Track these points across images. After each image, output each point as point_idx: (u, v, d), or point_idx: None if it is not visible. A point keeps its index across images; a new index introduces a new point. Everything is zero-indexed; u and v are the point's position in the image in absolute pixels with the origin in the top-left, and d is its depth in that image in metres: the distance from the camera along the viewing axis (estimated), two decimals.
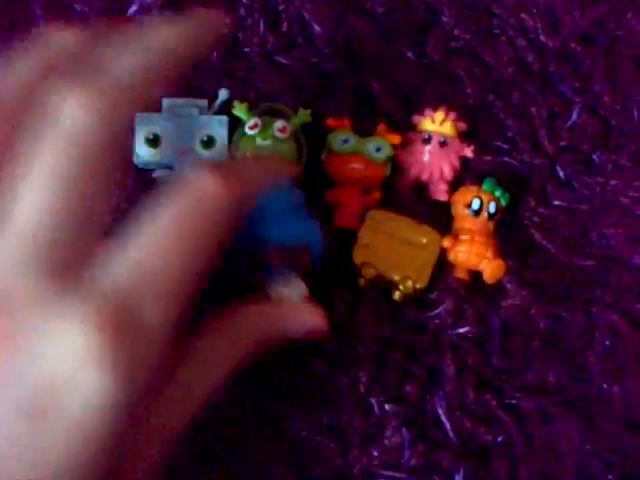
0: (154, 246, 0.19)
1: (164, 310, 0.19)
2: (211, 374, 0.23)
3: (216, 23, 0.24)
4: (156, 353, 0.19)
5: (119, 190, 0.20)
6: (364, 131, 0.31)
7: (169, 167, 0.31)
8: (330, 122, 0.31)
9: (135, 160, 0.30)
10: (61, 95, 0.18)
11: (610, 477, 0.29)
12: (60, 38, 0.21)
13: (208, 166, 0.21)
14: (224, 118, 0.31)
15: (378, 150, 0.30)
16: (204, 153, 0.30)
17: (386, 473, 0.28)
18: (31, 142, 0.18)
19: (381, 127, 0.31)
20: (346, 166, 0.30)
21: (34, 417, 0.17)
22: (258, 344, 0.24)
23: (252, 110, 0.31)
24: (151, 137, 0.30)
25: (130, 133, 0.20)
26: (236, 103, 0.31)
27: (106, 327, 0.17)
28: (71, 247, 0.18)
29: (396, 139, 0.31)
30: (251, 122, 0.30)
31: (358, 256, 0.29)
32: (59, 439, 0.17)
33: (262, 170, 0.24)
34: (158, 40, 0.21)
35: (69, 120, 0.18)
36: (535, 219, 0.32)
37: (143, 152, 0.30)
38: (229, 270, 0.26)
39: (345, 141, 0.30)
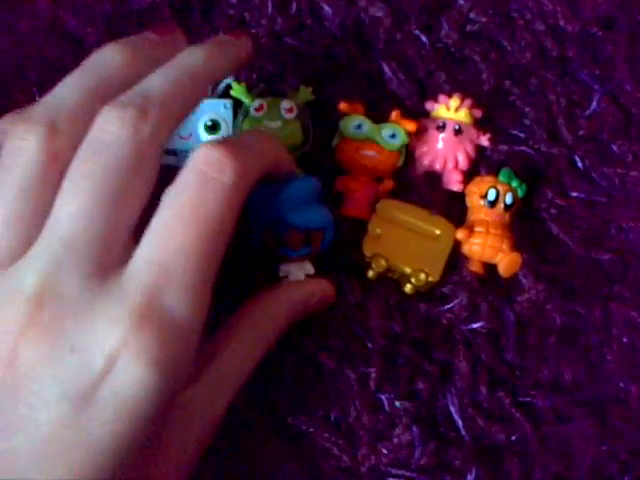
0: (166, 239, 0.20)
1: (188, 298, 0.20)
2: (242, 362, 0.24)
3: (244, 46, 0.26)
4: (186, 339, 0.20)
5: (148, 194, 0.21)
6: (377, 117, 0.30)
7: (173, 153, 0.29)
8: (343, 106, 0.29)
9: None
10: (109, 122, 0.20)
11: (626, 478, 0.28)
12: (110, 60, 0.23)
13: (211, 144, 0.21)
14: (229, 102, 0.30)
15: (392, 137, 0.29)
16: (208, 138, 0.29)
17: (395, 472, 0.27)
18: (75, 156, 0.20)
19: (395, 114, 0.30)
20: (359, 153, 0.29)
21: (75, 402, 0.18)
22: (281, 327, 0.26)
23: (250, 92, 0.30)
24: None
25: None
26: (234, 84, 0.30)
27: (139, 322, 0.19)
28: (105, 248, 0.20)
29: (411, 126, 0.29)
30: (256, 104, 0.29)
31: (368, 247, 0.28)
32: (97, 424, 0.18)
33: (267, 144, 0.24)
34: (198, 62, 0.23)
35: (106, 135, 0.20)
36: (552, 211, 0.31)
37: None
38: (254, 245, 0.27)
39: (359, 127, 0.29)
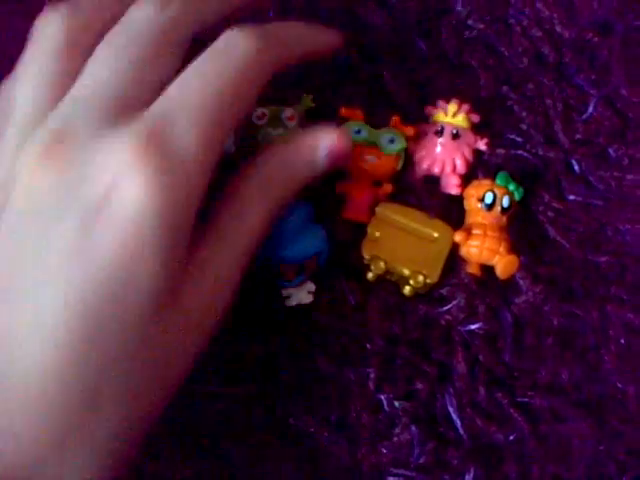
0: (182, 91, 0.22)
1: (198, 138, 0.21)
2: (249, 219, 0.24)
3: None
4: (191, 175, 0.21)
5: (172, 70, 0.23)
6: (377, 123, 0.30)
7: None
8: (343, 112, 0.30)
9: None
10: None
11: (624, 479, 0.28)
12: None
13: (241, 28, 0.23)
14: None
15: (391, 142, 0.30)
16: None
17: (395, 471, 0.28)
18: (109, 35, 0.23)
19: (395, 119, 0.30)
20: (358, 157, 0.29)
21: (81, 225, 0.20)
22: (291, 181, 0.25)
23: None
24: None
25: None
26: None
27: (148, 143, 0.20)
28: (126, 105, 0.21)
29: (410, 131, 0.30)
30: (258, 112, 0.30)
31: (367, 250, 0.29)
32: (106, 243, 0.19)
33: (299, 33, 0.26)
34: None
35: (137, 12, 0.24)
36: (549, 214, 0.31)
37: None
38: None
39: (358, 132, 0.30)
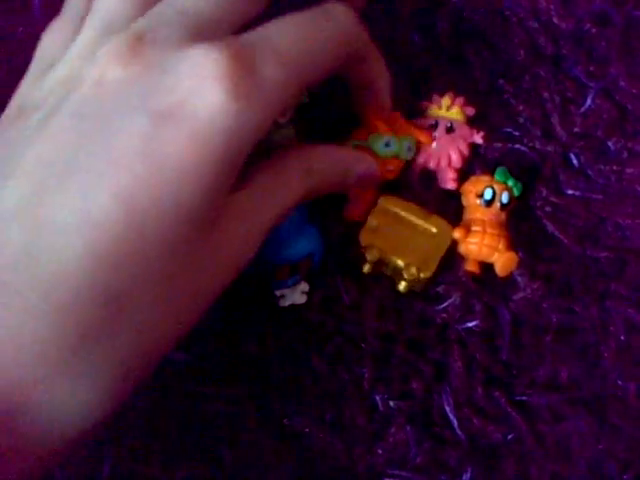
0: (283, 27, 0.22)
1: (281, 74, 0.21)
2: (291, 185, 0.24)
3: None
4: (270, 97, 0.21)
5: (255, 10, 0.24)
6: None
7: None
8: (379, 124, 0.29)
9: None
10: None
11: (625, 477, 0.28)
12: None
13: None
14: None
15: (409, 149, 0.30)
16: None
17: (391, 471, 0.27)
18: None
19: (399, 120, 0.30)
20: (382, 169, 0.29)
21: (154, 117, 0.19)
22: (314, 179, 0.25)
23: None
24: None
25: None
26: None
27: (232, 60, 0.20)
28: (211, 25, 0.22)
29: (427, 139, 0.30)
30: None
31: (365, 238, 0.28)
32: (172, 146, 0.19)
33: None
34: None
35: None
36: (547, 209, 0.30)
37: None
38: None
39: (387, 144, 0.29)
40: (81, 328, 0.18)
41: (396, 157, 0.29)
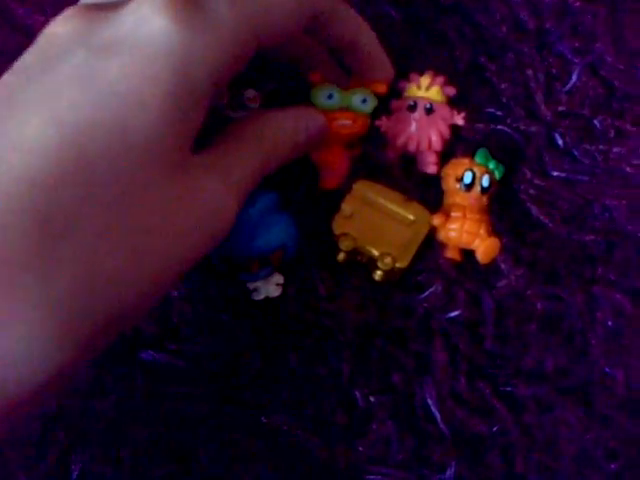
0: None
1: (230, 12, 0.21)
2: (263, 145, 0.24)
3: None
4: (217, 40, 0.21)
5: None
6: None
7: None
8: (314, 77, 0.28)
9: None
10: None
11: (613, 466, 0.27)
12: None
13: None
14: None
15: (364, 102, 0.28)
16: None
17: (373, 468, 0.26)
18: None
19: (354, 78, 0.29)
20: (334, 123, 0.28)
21: (101, 50, 0.20)
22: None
23: None
24: None
25: None
26: None
27: None
28: None
29: (382, 88, 0.28)
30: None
31: (338, 226, 0.27)
32: (121, 65, 0.19)
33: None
34: None
35: None
36: (531, 192, 0.29)
37: None
38: (217, 267, 0.27)
39: (330, 97, 0.28)
40: (20, 252, 0.17)
41: (347, 109, 0.28)
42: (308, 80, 0.28)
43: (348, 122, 0.28)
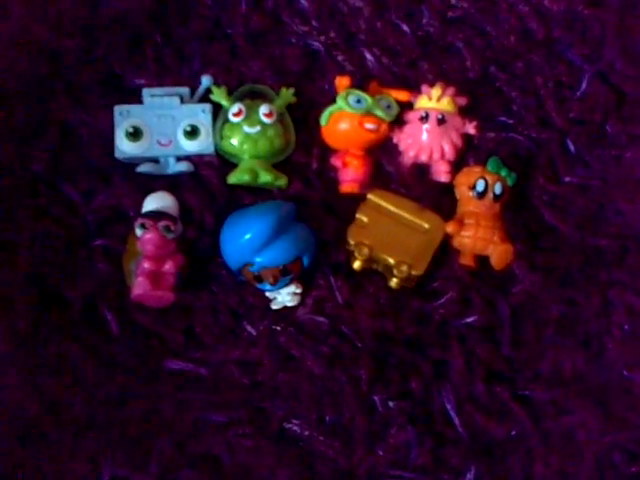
0: None
1: None
2: None
3: None
4: None
5: None
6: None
7: (153, 160, 0.29)
8: (342, 81, 0.29)
9: (118, 155, 0.29)
10: None
11: (633, 469, 0.27)
12: None
13: None
14: (207, 106, 0.29)
15: (388, 108, 0.29)
16: (188, 143, 0.29)
17: (393, 473, 0.27)
18: None
19: (373, 85, 0.30)
20: (361, 126, 0.29)
21: None
22: None
23: (231, 94, 0.29)
24: (131, 130, 0.28)
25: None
26: (214, 88, 0.29)
27: None
28: None
29: (404, 96, 0.29)
30: (235, 109, 0.29)
31: (354, 235, 0.28)
32: None
33: None
34: None
35: None
36: (545, 198, 0.30)
37: (125, 147, 0.29)
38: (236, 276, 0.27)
39: (358, 101, 0.29)
40: None
41: (372, 114, 0.29)
42: (335, 83, 0.29)
43: (375, 126, 0.29)
